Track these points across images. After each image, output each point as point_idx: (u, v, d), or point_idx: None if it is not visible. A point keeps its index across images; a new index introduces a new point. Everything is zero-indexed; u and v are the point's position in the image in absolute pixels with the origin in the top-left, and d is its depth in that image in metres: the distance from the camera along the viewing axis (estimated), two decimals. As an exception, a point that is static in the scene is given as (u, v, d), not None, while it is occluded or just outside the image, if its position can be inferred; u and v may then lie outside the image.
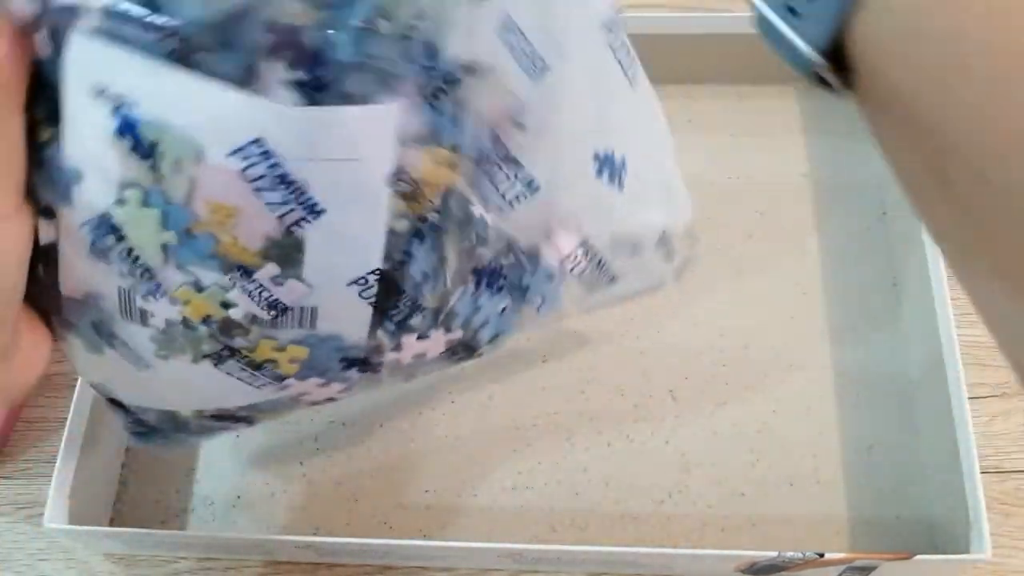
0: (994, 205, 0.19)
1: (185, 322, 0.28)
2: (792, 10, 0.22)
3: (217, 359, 0.29)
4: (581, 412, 0.51)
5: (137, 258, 0.26)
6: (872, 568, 0.43)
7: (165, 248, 0.26)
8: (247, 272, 0.26)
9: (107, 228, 0.26)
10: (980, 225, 0.20)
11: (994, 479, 0.48)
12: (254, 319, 0.28)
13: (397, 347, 0.30)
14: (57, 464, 0.45)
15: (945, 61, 0.19)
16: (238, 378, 0.30)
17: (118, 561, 0.48)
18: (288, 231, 0.26)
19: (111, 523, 0.49)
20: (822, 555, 0.42)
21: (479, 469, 0.50)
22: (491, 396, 0.52)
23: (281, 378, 0.30)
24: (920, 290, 0.50)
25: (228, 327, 0.28)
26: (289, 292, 0.27)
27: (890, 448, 0.49)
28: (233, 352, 0.29)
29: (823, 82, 0.23)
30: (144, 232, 0.26)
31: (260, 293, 0.27)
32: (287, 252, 0.26)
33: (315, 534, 0.48)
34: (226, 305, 0.27)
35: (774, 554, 0.42)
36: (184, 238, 0.26)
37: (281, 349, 0.29)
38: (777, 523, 0.48)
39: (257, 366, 0.29)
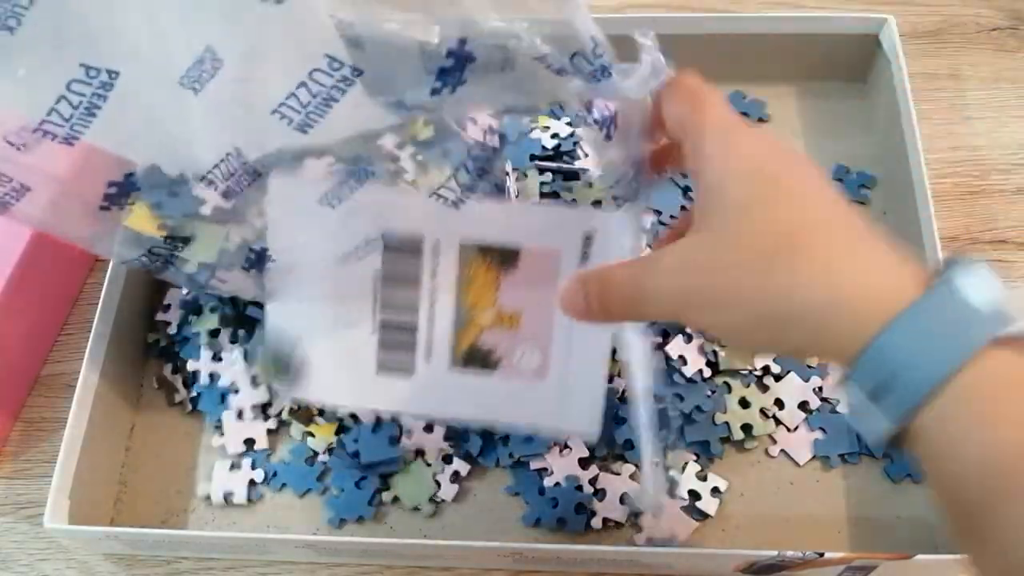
0: None
1: None
2: (875, 395, 0.29)
3: None
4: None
5: None
6: (872, 568, 0.43)
7: None
8: None
9: None
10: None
11: (994, 479, 0.48)
12: None
13: None
14: (57, 464, 0.45)
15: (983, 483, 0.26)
16: None
17: (118, 561, 0.48)
18: None
19: (111, 523, 0.49)
20: (822, 555, 0.42)
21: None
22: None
23: None
24: (920, 290, 0.50)
25: None
26: None
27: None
28: None
29: (885, 445, 0.29)
30: None
31: None
32: None
33: (315, 534, 0.48)
34: None
35: (774, 554, 0.42)
36: None
37: None
38: (777, 523, 0.48)
39: None
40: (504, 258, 0.44)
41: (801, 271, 0.30)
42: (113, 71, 0.34)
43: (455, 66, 0.33)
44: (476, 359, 0.45)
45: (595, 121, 0.36)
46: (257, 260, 0.45)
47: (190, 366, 0.52)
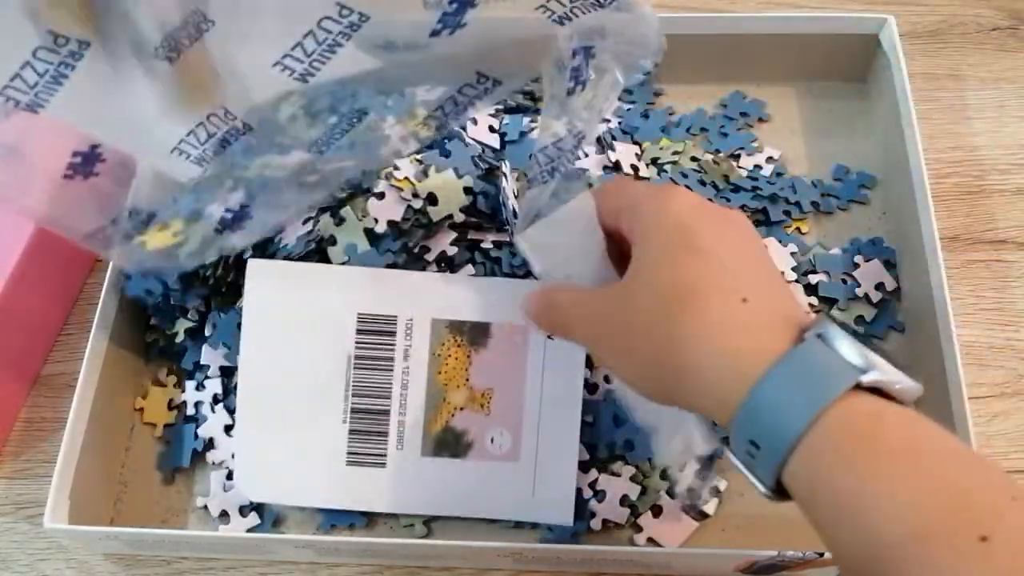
0: None
1: None
2: (751, 454, 0.30)
3: None
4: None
5: None
6: (872, 568, 0.43)
7: None
8: None
9: None
10: None
11: (994, 479, 0.48)
12: None
13: None
14: (57, 464, 0.45)
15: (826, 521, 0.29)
16: None
17: (118, 561, 0.48)
18: None
19: (111, 523, 0.49)
20: (822, 555, 0.42)
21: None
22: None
23: None
24: (920, 290, 0.50)
25: None
26: None
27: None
28: None
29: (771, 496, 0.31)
30: None
31: None
32: None
33: (315, 534, 0.48)
34: None
35: (774, 553, 0.42)
36: None
37: None
38: (777, 523, 0.48)
39: None
40: (475, 335, 0.46)
41: (691, 324, 0.31)
42: (83, 41, 0.33)
43: (458, 9, 0.33)
44: (448, 444, 0.46)
45: (572, 70, 0.36)
46: (232, 221, 0.44)
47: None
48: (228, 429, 0.50)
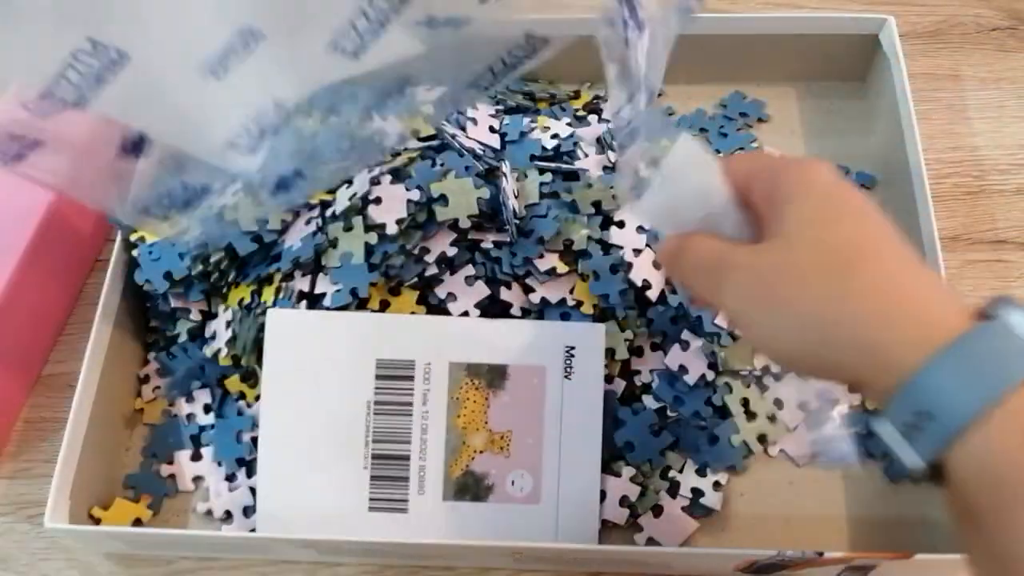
0: None
1: None
2: (915, 425, 0.29)
3: None
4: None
5: None
6: (872, 567, 0.43)
7: None
8: None
9: None
10: None
11: (994, 479, 0.48)
12: None
13: None
14: (57, 464, 0.45)
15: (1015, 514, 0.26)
16: None
17: (118, 561, 0.48)
18: None
19: (111, 523, 0.49)
20: (822, 555, 0.42)
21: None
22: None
23: None
24: (920, 290, 0.50)
25: None
26: None
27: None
28: None
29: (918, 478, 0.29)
30: None
31: None
32: None
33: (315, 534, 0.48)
34: None
35: (774, 553, 0.42)
36: None
37: None
38: (777, 523, 0.48)
39: None
40: (492, 377, 0.46)
41: (866, 278, 0.30)
42: (123, 52, 0.34)
43: None
44: (469, 488, 0.46)
45: (624, 21, 0.35)
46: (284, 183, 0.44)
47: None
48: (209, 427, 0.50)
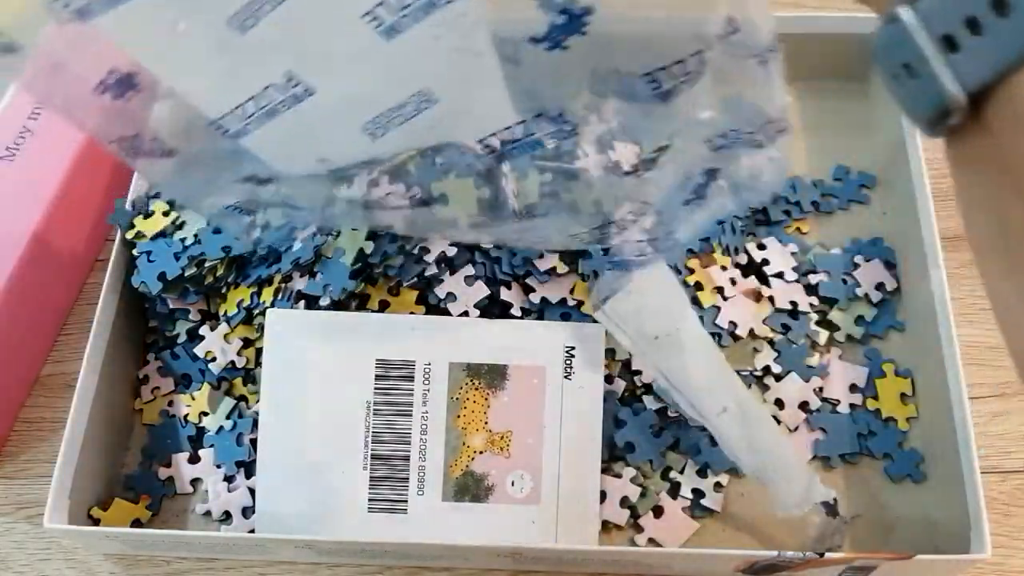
0: None
1: None
2: (951, 42, 0.21)
3: None
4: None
5: None
6: (872, 568, 0.43)
7: None
8: None
9: None
10: None
11: (994, 479, 0.48)
12: None
13: None
14: (57, 464, 0.45)
15: None
16: None
17: (118, 561, 0.48)
18: None
19: (111, 523, 0.49)
20: (822, 555, 0.42)
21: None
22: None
23: None
24: (920, 290, 0.50)
25: None
26: None
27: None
28: None
29: (933, 120, 0.23)
30: None
31: None
32: None
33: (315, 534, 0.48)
34: None
35: (774, 554, 0.42)
36: None
37: None
38: (777, 523, 0.48)
39: None
40: (492, 377, 0.46)
41: None
42: (310, 89, 0.34)
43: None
44: (469, 488, 0.46)
45: (696, 186, 0.37)
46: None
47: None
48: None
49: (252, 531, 0.47)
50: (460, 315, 0.47)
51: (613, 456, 0.48)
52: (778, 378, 0.50)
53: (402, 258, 0.47)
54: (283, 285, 0.48)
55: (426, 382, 0.46)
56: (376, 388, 0.46)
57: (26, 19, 0.32)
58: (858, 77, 0.61)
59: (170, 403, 0.52)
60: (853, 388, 0.51)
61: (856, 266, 0.54)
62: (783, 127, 0.35)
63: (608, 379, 0.49)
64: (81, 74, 0.35)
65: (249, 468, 0.49)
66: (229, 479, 0.49)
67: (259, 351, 0.49)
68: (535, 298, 0.48)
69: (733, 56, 0.33)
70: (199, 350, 0.50)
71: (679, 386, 0.43)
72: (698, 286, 0.50)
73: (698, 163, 0.37)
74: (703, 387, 0.43)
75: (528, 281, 0.48)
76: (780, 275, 0.53)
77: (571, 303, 0.48)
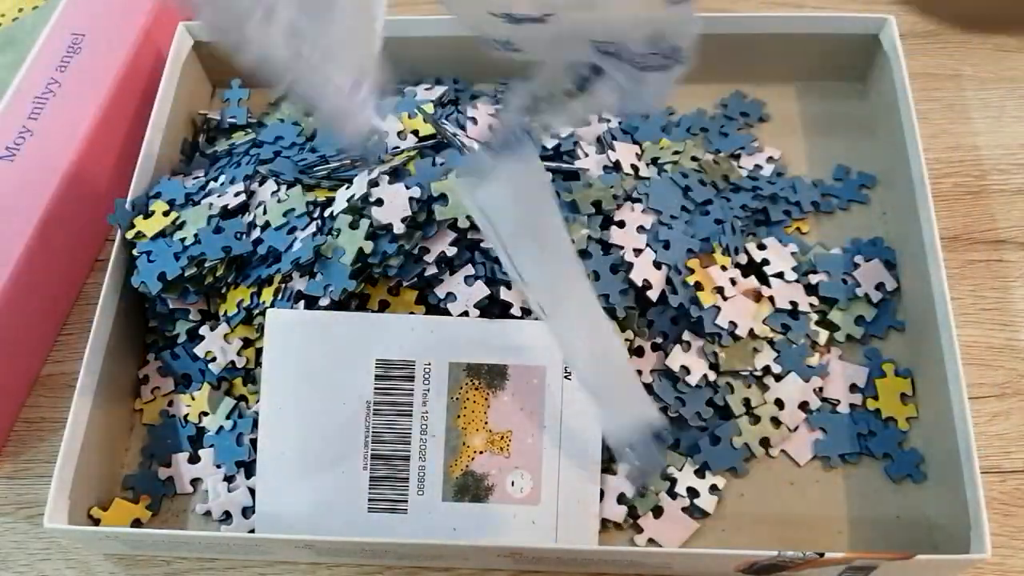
0: None
1: None
2: None
3: None
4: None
5: None
6: (872, 568, 0.43)
7: None
8: None
9: None
10: None
11: (994, 479, 0.48)
12: None
13: None
14: (57, 464, 0.45)
15: None
16: None
17: (118, 561, 0.48)
18: None
19: (111, 523, 0.49)
20: (822, 555, 0.42)
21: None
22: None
23: None
24: (920, 290, 0.50)
25: None
26: None
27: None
28: None
29: None
30: None
31: None
32: None
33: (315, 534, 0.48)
34: None
35: (774, 554, 0.42)
36: None
37: None
38: (777, 523, 0.48)
39: None
40: (492, 377, 0.46)
41: None
42: None
43: None
44: (469, 488, 0.46)
45: (579, 77, 0.36)
46: None
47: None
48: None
49: (252, 531, 0.47)
50: (460, 315, 0.47)
51: (613, 456, 0.48)
52: (778, 378, 0.50)
53: (402, 258, 0.47)
54: (283, 285, 0.48)
55: (426, 382, 0.46)
56: (376, 388, 0.46)
57: None
58: (858, 77, 0.61)
59: (170, 403, 0.52)
60: (853, 388, 0.51)
61: (856, 266, 0.54)
62: (679, 59, 0.34)
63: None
64: None
65: (249, 468, 0.49)
66: (229, 479, 0.49)
67: (259, 351, 0.49)
68: (535, 298, 0.48)
69: None
70: (199, 350, 0.50)
71: (530, 282, 0.41)
72: (698, 286, 0.50)
73: (583, 55, 0.36)
74: (556, 287, 0.41)
75: (528, 281, 0.48)
76: (780, 275, 0.53)
77: (571, 303, 0.48)
